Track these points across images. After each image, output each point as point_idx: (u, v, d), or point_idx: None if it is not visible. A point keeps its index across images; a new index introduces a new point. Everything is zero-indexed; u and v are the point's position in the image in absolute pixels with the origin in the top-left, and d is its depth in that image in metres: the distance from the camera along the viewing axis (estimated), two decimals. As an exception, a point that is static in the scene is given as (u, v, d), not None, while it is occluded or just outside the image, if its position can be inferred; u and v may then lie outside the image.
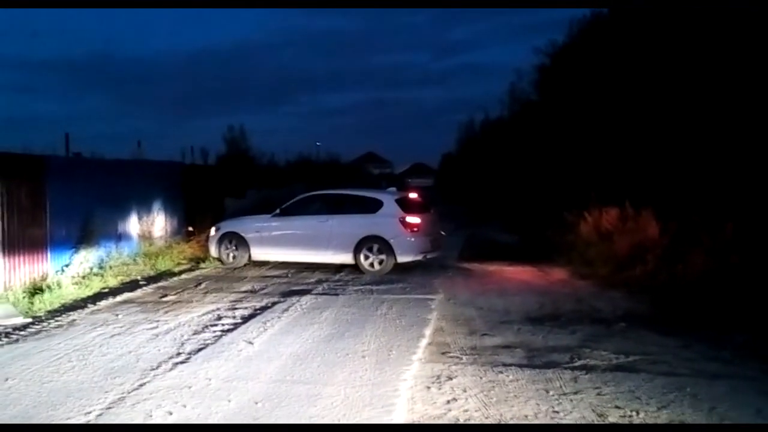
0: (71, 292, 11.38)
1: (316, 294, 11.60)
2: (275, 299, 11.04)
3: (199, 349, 7.82)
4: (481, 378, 6.66)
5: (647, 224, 13.02)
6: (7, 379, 6.73)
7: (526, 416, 5.57)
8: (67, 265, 12.49)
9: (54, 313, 10.07)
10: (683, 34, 14.36)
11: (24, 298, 10.55)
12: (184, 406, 5.85)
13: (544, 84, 23.26)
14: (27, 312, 9.96)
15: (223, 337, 8.45)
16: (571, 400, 5.95)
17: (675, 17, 14.73)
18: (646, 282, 11.38)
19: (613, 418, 5.53)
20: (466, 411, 5.72)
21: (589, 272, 12.92)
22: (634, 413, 5.62)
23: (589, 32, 19.15)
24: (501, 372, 6.85)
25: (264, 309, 10.24)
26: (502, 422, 5.43)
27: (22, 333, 8.81)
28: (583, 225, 14.84)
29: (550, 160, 20.40)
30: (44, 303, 10.49)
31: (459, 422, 5.47)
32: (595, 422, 5.45)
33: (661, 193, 13.48)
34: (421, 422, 5.48)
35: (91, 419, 5.56)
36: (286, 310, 10.16)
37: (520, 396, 6.09)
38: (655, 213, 13.04)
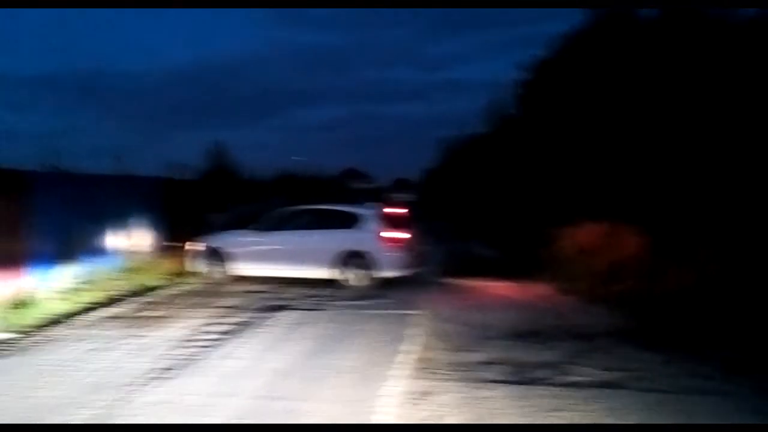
0: (54, 307, 11.32)
1: (299, 309, 11.59)
2: (257, 314, 11.03)
3: (181, 365, 7.83)
4: (463, 395, 6.65)
5: (627, 240, 13.04)
6: (-13, 395, 6.72)
7: None
8: (50, 280, 12.44)
9: (36, 328, 10.02)
10: (664, 51, 14.52)
11: (5, 313, 10.51)
12: (163, 422, 5.85)
13: (526, 99, 23.20)
14: (8, 327, 9.92)
15: (205, 352, 8.45)
16: (556, 417, 5.95)
17: (657, 33, 14.91)
18: (627, 297, 11.40)
19: None
20: None
21: (571, 288, 12.91)
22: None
23: (571, 47, 19.19)
24: (483, 388, 6.84)
25: (246, 324, 10.23)
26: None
27: (2, 348, 8.79)
28: (565, 240, 14.85)
29: (531, 176, 20.40)
30: (26, 318, 10.44)
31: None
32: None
33: (642, 209, 13.50)
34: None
35: (71, 435, 5.56)
36: (269, 325, 10.18)
37: (504, 412, 6.10)
38: (635, 229, 13.07)
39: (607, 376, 7.28)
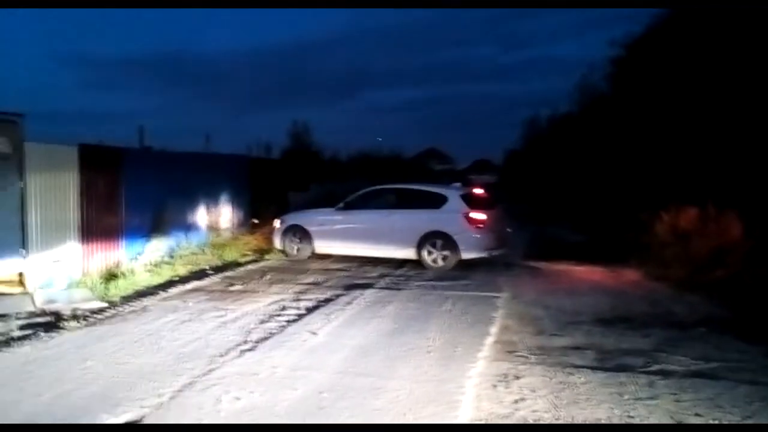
0: (143, 279, 11.80)
1: (379, 288, 11.66)
2: (338, 292, 11.17)
3: (265, 338, 8.02)
4: (550, 379, 6.50)
5: (730, 225, 12.46)
6: (85, 360, 7.05)
7: (599, 419, 5.43)
8: (140, 254, 12.93)
9: (128, 299, 10.45)
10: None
11: (100, 283, 11.00)
12: (252, 393, 6.03)
13: (618, 77, 22.31)
14: (103, 297, 10.38)
15: (288, 327, 8.63)
16: (647, 406, 5.74)
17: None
18: (726, 286, 10.80)
19: None
20: (534, 411, 5.62)
21: (663, 274, 12.35)
22: (715, 422, 5.43)
23: (668, 22, 18.49)
24: (571, 373, 6.65)
25: (327, 301, 10.39)
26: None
27: (98, 317, 9.19)
28: (659, 225, 14.28)
29: (622, 157, 19.80)
30: (118, 289, 10.91)
31: (527, 422, 5.40)
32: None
33: (746, 193, 12.98)
34: (489, 421, 5.42)
35: (163, 401, 5.80)
36: (350, 303, 10.28)
37: (592, 399, 5.92)
38: (735, 213, 12.50)
39: (701, 365, 6.94)
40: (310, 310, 9.68)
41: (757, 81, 13.93)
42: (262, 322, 8.92)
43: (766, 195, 12.59)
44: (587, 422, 5.42)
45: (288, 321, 8.98)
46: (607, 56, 23.08)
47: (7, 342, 7.77)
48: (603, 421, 5.42)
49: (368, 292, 11.25)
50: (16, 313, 9.05)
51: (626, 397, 6.00)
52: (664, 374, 6.67)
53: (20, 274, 10.35)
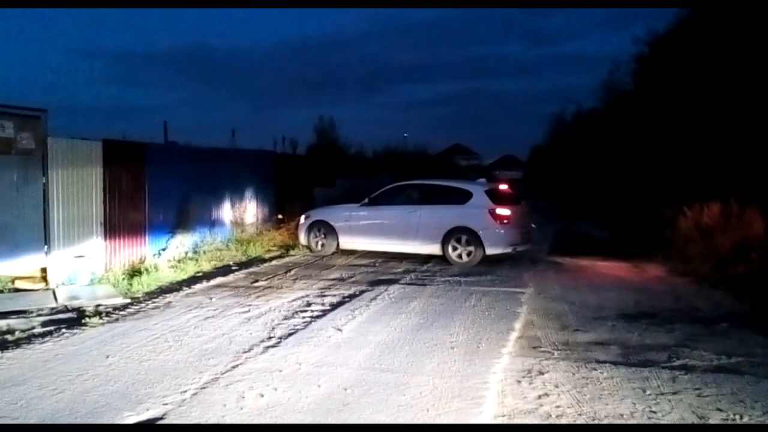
0: (167, 275, 11.76)
1: (404, 284, 11.61)
2: (363, 288, 11.13)
3: (290, 334, 7.96)
4: (573, 374, 6.50)
5: (753, 221, 12.52)
6: (108, 357, 7.00)
7: (622, 415, 5.41)
8: (163, 249, 12.92)
9: (151, 295, 10.42)
10: None
11: (123, 279, 10.98)
12: (275, 389, 5.96)
13: (643, 74, 22.47)
14: (126, 293, 10.35)
15: (313, 323, 8.57)
16: (670, 401, 5.74)
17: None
18: (749, 281, 10.88)
19: (714, 420, 5.32)
20: (558, 407, 5.58)
21: (687, 269, 12.48)
22: (737, 417, 5.38)
23: (692, 20, 18.46)
24: (595, 369, 6.67)
25: (352, 297, 10.34)
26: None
27: (121, 313, 9.15)
28: (682, 220, 14.32)
29: (646, 154, 19.80)
30: (142, 285, 10.88)
31: (550, 417, 5.37)
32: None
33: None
34: (512, 417, 5.38)
35: (186, 398, 5.72)
36: (374, 298, 10.23)
37: (615, 394, 5.92)
38: (760, 210, 12.53)
39: (723, 360, 6.94)
40: (334, 306, 9.63)
41: None
42: (287, 318, 8.86)
43: None
44: (609, 417, 5.38)
45: (313, 317, 8.92)
46: (631, 53, 23.12)
47: (29, 339, 7.72)
48: (625, 416, 5.41)
49: (393, 287, 11.18)
50: (38, 310, 9.04)
51: (649, 392, 6.00)
52: (687, 369, 6.68)
53: (43, 270, 10.36)
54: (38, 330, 8.12)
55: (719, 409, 5.55)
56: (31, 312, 8.87)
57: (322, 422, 5.24)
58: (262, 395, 5.81)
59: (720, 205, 13.57)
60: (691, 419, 5.36)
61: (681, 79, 17.63)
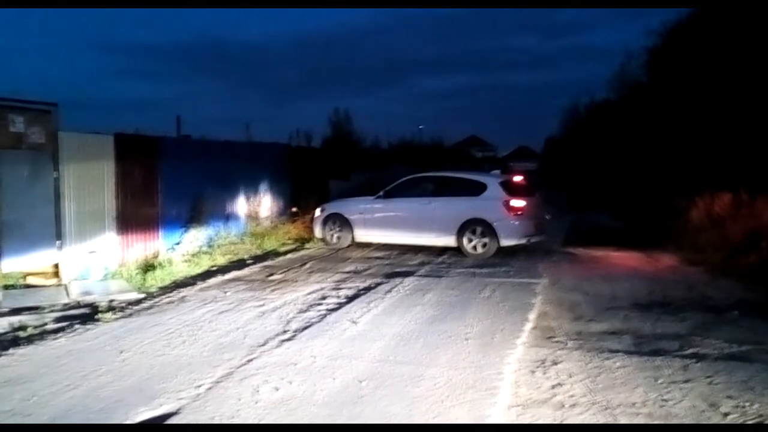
0: (181, 269, 11.72)
1: (419, 276, 11.58)
2: (378, 280, 11.09)
3: (305, 328, 7.92)
4: (587, 364, 6.52)
5: (763, 210, 12.57)
6: (121, 352, 6.95)
7: (634, 403, 5.41)
8: (177, 243, 12.86)
9: (165, 290, 10.39)
10: None
11: (137, 274, 10.95)
12: (290, 383, 5.91)
13: (655, 65, 22.54)
14: (140, 288, 10.32)
15: (328, 316, 8.53)
16: (681, 389, 5.76)
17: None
18: (760, 270, 10.88)
19: (725, 408, 5.32)
20: (571, 396, 5.59)
21: (699, 259, 12.53)
22: (747, 404, 5.40)
23: (705, 12, 18.43)
24: (608, 358, 6.68)
25: (367, 289, 10.29)
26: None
27: (135, 308, 9.12)
28: (694, 211, 14.40)
29: (659, 144, 19.80)
30: (156, 279, 10.84)
31: (564, 407, 5.36)
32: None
33: None
34: (527, 406, 5.37)
35: (201, 392, 5.68)
36: (389, 291, 10.18)
37: (628, 383, 5.93)
38: None
39: (734, 349, 6.97)
40: (350, 299, 9.60)
41: None
42: (302, 311, 8.82)
43: None
44: (621, 406, 5.39)
45: (328, 310, 8.89)
46: (644, 45, 23.10)
47: (41, 335, 7.67)
48: (637, 404, 5.42)
49: (408, 280, 11.14)
50: (51, 306, 8.98)
51: (661, 381, 6.01)
52: (699, 357, 6.72)
53: (55, 266, 10.32)
54: (51, 326, 8.07)
55: (730, 397, 5.58)
56: (44, 308, 8.82)
57: (336, 414, 5.20)
58: (277, 389, 5.77)
59: (731, 195, 13.67)
60: (702, 407, 5.36)
61: (692, 70, 17.71)
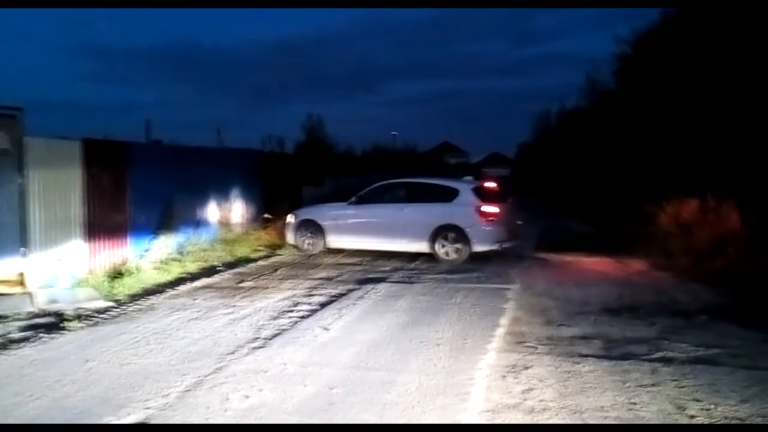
0: (151, 276, 11.57)
1: (392, 282, 11.57)
2: (351, 286, 11.06)
3: (276, 335, 7.85)
4: (557, 368, 6.57)
5: (728, 216, 12.71)
6: (87, 361, 6.83)
7: (603, 407, 5.45)
8: (147, 250, 12.69)
9: (134, 297, 10.23)
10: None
11: (105, 282, 10.76)
12: (261, 390, 5.85)
13: (624, 73, 22.76)
14: (108, 296, 10.14)
15: (300, 323, 8.47)
16: (649, 392, 5.83)
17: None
18: (727, 274, 11.09)
19: (692, 410, 5.39)
20: (542, 401, 5.62)
21: (668, 264, 12.69)
22: (713, 406, 5.49)
23: (673, 21, 18.68)
24: (578, 363, 6.75)
25: (340, 296, 10.25)
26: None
27: (102, 316, 8.97)
28: (663, 216, 14.53)
29: (628, 151, 20.01)
30: (124, 287, 10.66)
31: (534, 411, 5.38)
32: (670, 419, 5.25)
33: (744, 184, 13.12)
34: (497, 412, 5.38)
35: (169, 401, 5.58)
36: (362, 297, 10.16)
37: (597, 387, 5.98)
38: (736, 205, 12.69)
39: (702, 352, 7.08)
40: (322, 306, 9.55)
41: (755, 77, 14.13)
42: (274, 318, 8.75)
43: (762, 185, 12.78)
44: (590, 410, 5.43)
45: (300, 317, 8.82)
46: (614, 53, 23.31)
47: (5, 344, 7.48)
48: (605, 408, 5.46)
49: (381, 286, 11.15)
50: (15, 314, 8.79)
51: (629, 384, 6.09)
52: (667, 361, 6.81)
53: (20, 274, 10.11)
54: (15, 335, 7.89)
55: (697, 400, 5.64)
56: (7, 317, 8.63)
57: (307, 422, 5.15)
58: (247, 396, 5.71)
59: (698, 201, 13.77)
60: (669, 410, 5.43)
61: (661, 78, 17.96)
